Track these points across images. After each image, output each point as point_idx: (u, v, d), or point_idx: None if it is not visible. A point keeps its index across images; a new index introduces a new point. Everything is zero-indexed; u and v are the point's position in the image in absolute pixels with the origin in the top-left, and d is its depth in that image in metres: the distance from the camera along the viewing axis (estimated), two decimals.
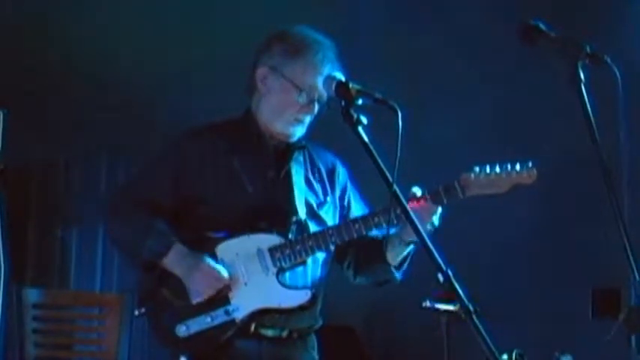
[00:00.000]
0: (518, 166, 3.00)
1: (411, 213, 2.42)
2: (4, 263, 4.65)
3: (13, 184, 4.93)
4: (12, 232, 4.67)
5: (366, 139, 2.47)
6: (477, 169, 3.00)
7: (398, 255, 3.11)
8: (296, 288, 3.03)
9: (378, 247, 3.11)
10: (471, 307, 2.26)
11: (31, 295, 4.43)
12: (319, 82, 2.86)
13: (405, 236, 3.04)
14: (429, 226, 2.97)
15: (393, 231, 3.06)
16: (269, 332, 3.03)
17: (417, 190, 3.00)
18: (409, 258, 3.15)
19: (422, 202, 2.98)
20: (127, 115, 5.20)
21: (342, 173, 3.27)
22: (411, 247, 3.10)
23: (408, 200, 2.95)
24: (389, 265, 3.13)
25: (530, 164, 3.01)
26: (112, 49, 5.02)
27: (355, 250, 3.18)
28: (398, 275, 3.17)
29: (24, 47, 5.00)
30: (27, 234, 5.35)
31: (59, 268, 5.39)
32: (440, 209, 3.01)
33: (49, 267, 5.36)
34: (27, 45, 5.01)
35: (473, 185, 3.00)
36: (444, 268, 2.29)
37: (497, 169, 3.00)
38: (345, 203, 3.24)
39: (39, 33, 5.01)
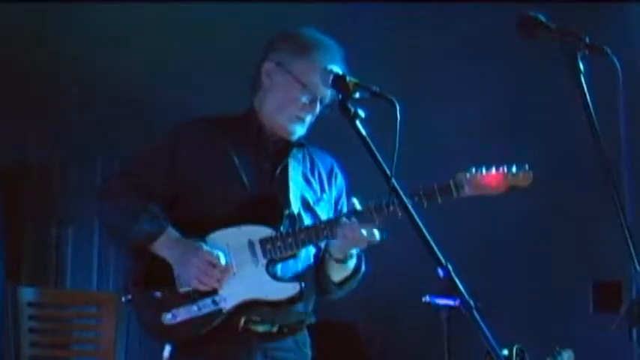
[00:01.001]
0: (514, 168, 2.99)
1: (410, 208, 2.40)
2: None
3: (9, 183, 4.94)
4: (8, 231, 4.67)
5: (363, 132, 2.45)
6: (473, 169, 2.98)
7: (336, 271, 3.09)
8: (285, 281, 3.01)
9: (322, 258, 3.11)
10: (471, 302, 2.24)
11: (27, 293, 4.42)
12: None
13: (334, 251, 3.01)
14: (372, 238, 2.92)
15: (324, 244, 3.04)
16: (259, 328, 3.01)
17: (356, 203, 2.96)
18: (354, 282, 3.12)
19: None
20: (122, 114, 5.19)
21: (340, 178, 3.26)
22: (352, 266, 3.06)
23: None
24: (330, 279, 3.11)
25: (526, 167, 2.99)
26: (108, 49, 5.01)
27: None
28: (339, 293, 3.15)
29: (20, 48, 4.99)
30: (23, 233, 5.34)
31: (55, 266, 5.37)
32: (377, 235, 2.94)
33: (45, 266, 5.35)
34: (23, 46, 5.00)
35: (468, 186, 2.97)
36: (444, 263, 2.27)
37: (493, 171, 2.98)
38: (339, 208, 3.23)
39: (36, 35, 5.00)
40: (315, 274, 3.15)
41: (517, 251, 5.02)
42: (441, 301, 4.20)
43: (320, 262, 3.13)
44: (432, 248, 2.30)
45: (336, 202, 3.24)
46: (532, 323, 4.81)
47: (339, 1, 5.16)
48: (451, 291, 2.26)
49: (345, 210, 3.21)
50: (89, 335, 4.62)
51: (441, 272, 2.27)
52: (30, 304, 4.38)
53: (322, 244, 3.11)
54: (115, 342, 4.39)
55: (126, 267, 3.11)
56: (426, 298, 4.22)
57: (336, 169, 3.26)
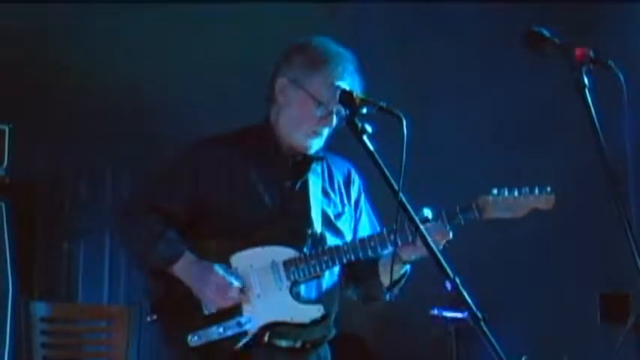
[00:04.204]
0: (537, 191, 2.97)
1: (418, 222, 2.42)
2: (11, 277, 4.66)
3: (20, 197, 4.96)
4: (19, 245, 4.69)
5: (371, 147, 2.47)
6: (495, 191, 2.96)
7: (388, 275, 3.05)
8: (309, 302, 3.02)
9: (373, 263, 3.10)
10: (479, 315, 2.25)
11: (39, 308, 4.43)
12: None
13: (404, 254, 3.00)
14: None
15: (387, 251, 3.03)
16: (283, 342, 3.03)
17: (428, 213, 2.96)
18: (403, 280, 3.12)
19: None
20: (130, 128, 5.21)
21: (356, 183, 3.25)
22: (406, 268, 3.07)
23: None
24: (381, 283, 3.12)
25: (548, 189, 2.97)
26: (115, 62, 5.04)
27: (350, 262, 3.13)
28: (387, 296, 3.13)
29: (29, 63, 5.02)
30: (34, 247, 5.35)
31: (66, 281, 5.39)
32: (451, 235, 2.96)
33: (56, 280, 5.36)
34: (32, 61, 5.03)
35: (490, 208, 2.96)
36: (451, 275, 2.29)
37: (516, 193, 2.96)
38: (357, 216, 3.23)
39: (43, 49, 5.03)
40: (359, 285, 3.17)
41: (524, 263, 5.01)
42: (449, 314, 4.21)
43: (364, 271, 3.12)
44: (440, 261, 2.32)
45: (356, 205, 3.23)
46: (540, 335, 4.80)
47: (343, 10, 5.19)
48: (459, 303, 2.28)
49: (362, 217, 3.21)
50: (101, 349, 4.63)
51: (448, 285, 2.29)
52: (42, 319, 4.39)
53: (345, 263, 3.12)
54: (127, 355, 4.40)
55: (148, 288, 3.11)
56: (434, 311, 4.23)
57: (353, 174, 3.25)
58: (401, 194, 2.40)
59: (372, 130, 2.51)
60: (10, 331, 4.49)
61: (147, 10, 5.05)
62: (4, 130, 4.69)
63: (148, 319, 3.07)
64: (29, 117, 4.95)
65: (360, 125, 2.52)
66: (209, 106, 4.99)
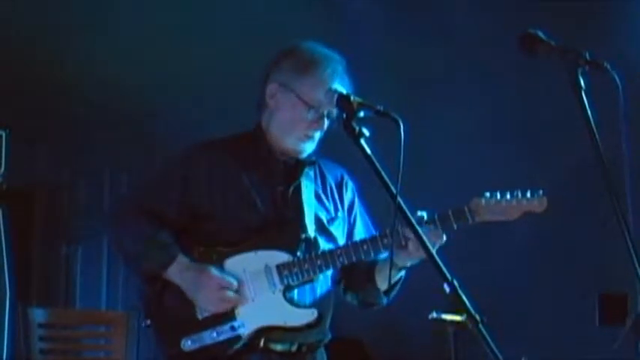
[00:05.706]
0: (529, 194, 2.97)
1: (417, 226, 2.42)
2: (9, 283, 4.66)
3: (17, 203, 4.96)
4: (17, 251, 4.69)
5: (368, 151, 2.46)
6: (488, 195, 2.97)
7: (386, 280, 3.07)
8: (303, 306, 3.02)
9: (369, 269, 3.11)
10: (477, 317, 2.25)
11: (37, 314, 4.43)
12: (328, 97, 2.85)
13: (399, 261, 3.00)
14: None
15: (383, 256, 3.04)
16: (278, 347, 3.02)
17: (423, 214, 2.96)
18: (399, 285, 3.12)
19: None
20: (128, 132, 5.22)
21: (350, 188, 3.25)
22: (402, 273, 3.07)
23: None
24: (377, 289, 3.12)
25: (540, 192, 2.97)
26: (112, 67, 5.04)
27: (348, 268, 3.14)
28: (385, 300, 3.16)
29: (25, 69, 5.03)
30: (32, 253, 5.36)
31: (64, 286, 5.40)
32: (444, 237, 2.96)
33: (54, 286, 5.37)
34: (28, 67, 5.03)
35: (483, 211, 2.96)
36: (449, 278, 2.29)
37: (508, 197, 2.97)
38: (352, 220, 3.23)
39: (40, 55, 5.04)
40: (357, 292, 3.17)
41: (523, 265, 5.02)
42: (448, 317, 4.21)
43: (361, 278, 3.13)
44: (438, 264, 2.32)
45: (349, 214, 3.23)
46: (538, 336, 4.81)
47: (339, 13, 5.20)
48: (457, 306, 2.28)
49: (358, 221, 3.22)
50: (99, 355, 4.64)
51: (447, 288, 2.29)
52: (40, 325, 4.40)
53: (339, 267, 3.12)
54: None
55: (142, 292, 3.11)
56: (433, 315, 4.23)
57: (346, 179, 3.25)
58: (399, 198, 2.40)
59: (369, 133, 2.51)
60: (8, 338, 4.49)
61: (146, 12, 5.06)
62: (0, 136, 4.70)
63: (143, 324, 3.07)
64: (27, 122, 4.95)
65: (357, 129, 2.52)
66: (208, 109, 5.00)
